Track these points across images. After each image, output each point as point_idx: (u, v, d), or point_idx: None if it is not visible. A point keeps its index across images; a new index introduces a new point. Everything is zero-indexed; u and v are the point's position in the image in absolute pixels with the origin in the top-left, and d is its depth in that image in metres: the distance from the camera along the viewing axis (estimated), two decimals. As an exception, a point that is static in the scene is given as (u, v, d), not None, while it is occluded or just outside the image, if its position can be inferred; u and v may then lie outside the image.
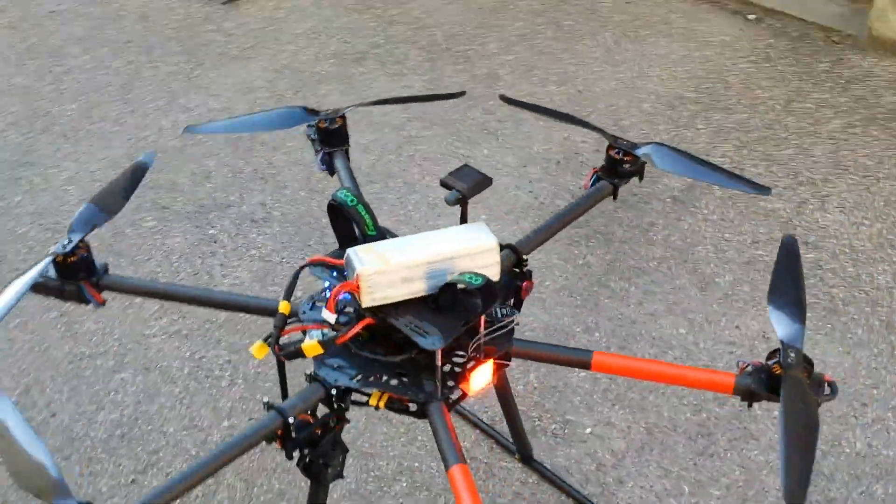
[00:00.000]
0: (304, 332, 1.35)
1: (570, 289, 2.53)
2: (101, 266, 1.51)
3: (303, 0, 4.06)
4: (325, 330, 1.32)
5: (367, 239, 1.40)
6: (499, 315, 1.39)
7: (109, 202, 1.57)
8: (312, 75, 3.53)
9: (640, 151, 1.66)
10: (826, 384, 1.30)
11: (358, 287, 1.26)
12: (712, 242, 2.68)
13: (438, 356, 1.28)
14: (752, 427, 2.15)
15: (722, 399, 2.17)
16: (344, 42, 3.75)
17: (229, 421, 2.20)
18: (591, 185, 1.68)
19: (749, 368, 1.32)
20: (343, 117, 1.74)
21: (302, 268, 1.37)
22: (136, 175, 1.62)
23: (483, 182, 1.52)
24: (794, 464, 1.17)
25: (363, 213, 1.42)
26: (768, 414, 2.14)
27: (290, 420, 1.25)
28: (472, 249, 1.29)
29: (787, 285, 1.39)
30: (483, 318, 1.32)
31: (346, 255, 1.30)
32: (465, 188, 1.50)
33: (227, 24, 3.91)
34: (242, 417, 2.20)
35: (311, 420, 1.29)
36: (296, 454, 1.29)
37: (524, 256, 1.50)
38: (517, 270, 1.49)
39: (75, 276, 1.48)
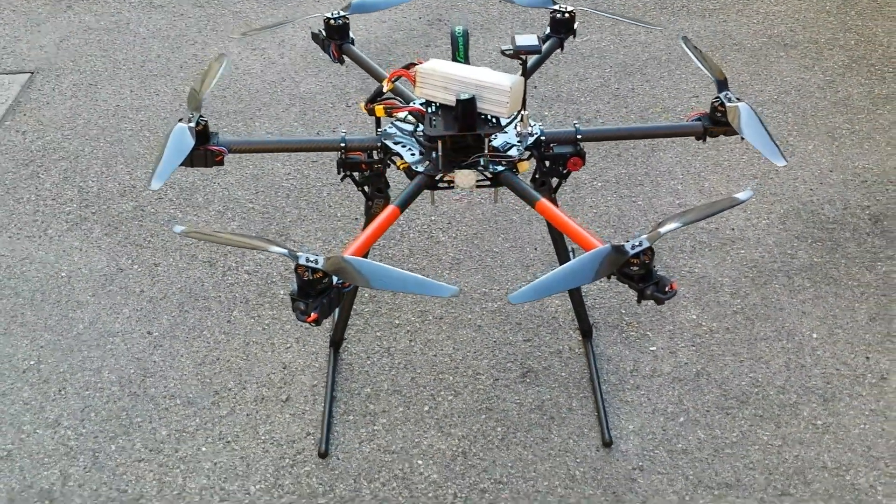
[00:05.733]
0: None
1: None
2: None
3: None
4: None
5: (455, 60, 2.08)
6: (514, 152, 1.97)
7: None
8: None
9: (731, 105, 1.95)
10: None
11: (414, 79, 1.96)
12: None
13: (440, 144, 1.93)
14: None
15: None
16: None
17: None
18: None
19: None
20: None
21: (392, 76, 2.04)
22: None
23: None
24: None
25: (461, 44, 2.08)
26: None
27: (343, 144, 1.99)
28: (491, 84, 1.91)
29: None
30: (488, 141, 1.93)
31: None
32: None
33: None
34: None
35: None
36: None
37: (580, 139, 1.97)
38: (577, 146, 2.00)
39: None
